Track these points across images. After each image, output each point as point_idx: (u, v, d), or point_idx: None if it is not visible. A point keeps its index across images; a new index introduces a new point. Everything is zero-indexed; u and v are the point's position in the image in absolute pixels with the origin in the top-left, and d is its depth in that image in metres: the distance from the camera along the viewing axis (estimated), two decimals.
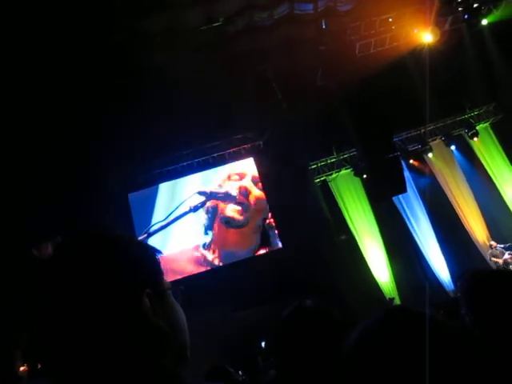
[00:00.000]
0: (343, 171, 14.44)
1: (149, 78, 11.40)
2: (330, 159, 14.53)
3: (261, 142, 14.07)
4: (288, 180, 13.09)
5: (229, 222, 13.42)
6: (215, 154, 14.03)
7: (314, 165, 14.45)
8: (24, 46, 9.21)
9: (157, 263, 1.02)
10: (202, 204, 13.17)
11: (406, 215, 13.94)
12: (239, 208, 13.47)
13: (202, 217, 13.41)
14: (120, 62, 10.95)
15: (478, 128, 14.12)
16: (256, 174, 13.93)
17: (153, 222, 13.32)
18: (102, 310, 0.89)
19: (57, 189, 11.12)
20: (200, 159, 14.05)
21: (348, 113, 12.58)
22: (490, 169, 14.05)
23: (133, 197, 14.03)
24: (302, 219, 12.67)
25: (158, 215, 13.48)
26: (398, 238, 13.52)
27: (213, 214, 13.50)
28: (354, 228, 13.96)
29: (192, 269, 13.07)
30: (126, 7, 9.91)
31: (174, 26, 11.08)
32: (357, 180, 14.11)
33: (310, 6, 11.89)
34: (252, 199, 13.66)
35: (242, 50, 12.40)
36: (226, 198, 13.27)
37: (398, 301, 12.77)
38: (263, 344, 8.53)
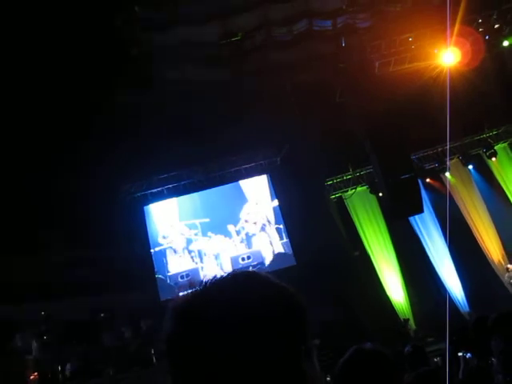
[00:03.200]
0: (359, 188, 14.36)
1: (160, 93, 11.56)
2: (346, 176, 14.48)
3: (278, 159, 14.11)
4: (304, 196, 13.09)
5: None
6: (232, 169, 14.13)
7: (330, 181, 14.41)
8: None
9: (306, 315, 0.89)
10: None
11: (422, 234, 13.80)
12: None
13: None
14: (136, 75, 11.14)
15: (496, 148, 13.98)
16: None
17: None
18: (263, 370, 0.79)
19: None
20: (215, 175, 14.18)
21: (366, 130, 12.54)
22: (508, 189, 13.87)
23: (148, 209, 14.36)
24: (317, 235, 12.63)
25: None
26: (412, 257, 13.37)
27: None
28: (369, 245, 13.86)
29: None
30: (145, 21, 10.10)
31: (192, 40, 11.23)
32: (372, 197, 14.04)
33: (329, 23, 11.95)
34: None
35: (260, 65, 12.50)
36: None
37: (412, 321, 12.60)
38: None
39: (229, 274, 0.89)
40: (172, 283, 13.55)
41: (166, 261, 13.81)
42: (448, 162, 13.66)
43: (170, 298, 13.25)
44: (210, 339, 0.79)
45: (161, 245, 13.99)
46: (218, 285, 0.87)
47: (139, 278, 12.43)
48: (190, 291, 0.88)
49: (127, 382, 10.61)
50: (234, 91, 11.97)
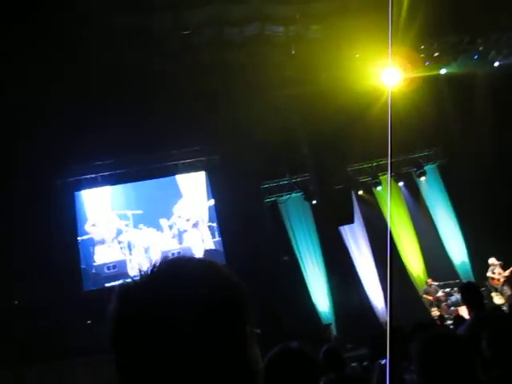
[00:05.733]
0: (294, 194, 14.63)
1: (108, 77, 11.24)
2: (283, 181, 14.71)
3: (217, 157, 14.08)
4: (239, 197, 13.17)
5: None
6: (170, 163, 13.92)
7: (266, 185, 14.58)
8: None
9: (248, 298, 0.91)
10: None
11: (350, 244, 14.27)
12: None
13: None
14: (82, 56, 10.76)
15: (425, 168, 14.74)
16: None
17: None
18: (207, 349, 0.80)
19: None
20: (152, 166, 13.91)
21: (306, 139, 12.81)
22: (433, 209, 14.70)
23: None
24: (249, 236, 12.76)
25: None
26: (339, 266, 13.81)
27: None
28: (298, 251, 14.16)
29: None
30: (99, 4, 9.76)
31: (144, 28, 10.99)
32: (306, 205, 14.35)
33: (281, 29, 12.12)
34: None
35: (207, 62, 12.45)
36: None
37: (334, 327, 13.01)
38: None
39: (174, 260, 0.90)
40: (97, 274, 13.15)
41: (93, 250, 13.39)
42: (388, 177, 14.12)
43: (93, 288, 12.89)
44: (157, 328, 0.79)
45: (89, 233, 13.54)
46: (166, 270, 0.87)
47: (63, 267, 11.99)
48: (136, 276, 0.88)
49: (38, 374, 10.19)
50: (178, 85, 11.83)
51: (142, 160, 13.73)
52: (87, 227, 13.59)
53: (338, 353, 4.51)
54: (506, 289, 11.70)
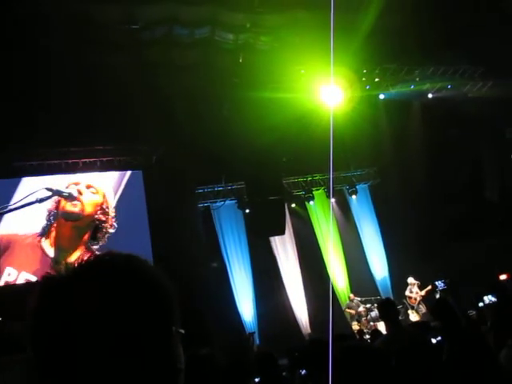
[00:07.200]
0: (228, 202, 14.64)
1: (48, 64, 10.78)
2: (218, 187, 14.69)
3: (154, 157, 13.82)
4: (172, 199, 12.97)
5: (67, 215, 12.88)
6: (104, 159, 13.48)
7: (200, 189, 14.49)
8: None
9: (175, 298, 0.92)
10: (48, 198, 12.86)
11: (278, 255, 14.45)
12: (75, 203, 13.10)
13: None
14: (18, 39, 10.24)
15: (357, 187, 15.26)
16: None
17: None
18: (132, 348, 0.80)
19: None
20: (87, 160, 13.40)
21: (244, 148, 12.84)
22: (361, 227, 15.23)
23: None
24: (178, 240, 12.59)
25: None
26: (267, 276, 13.96)
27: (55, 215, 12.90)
28: (227, 259, 14.16)
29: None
30: None
31: (89, 18, 10.64)
32: (239, 213, 14.40)
33: (231, 36, 12.17)
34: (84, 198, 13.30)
35: (154, 60, 12.27)
36: (69, 197, 13.07)
37: (256, 336, 13.09)
38: None
39: (101, 256, 0.90)
40: None
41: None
42: (331, 191, 14.65)
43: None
44: (79, 325, 0.78)
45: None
46: (92, 266, 0.87)
47: None
48: (65, 268, 0.86)
49: None
50: (120, 80, 11.55)
51: (74, 152, 13.20)
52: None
53: (270, 357, 4.59)
54: (422, 307, 12.34)
